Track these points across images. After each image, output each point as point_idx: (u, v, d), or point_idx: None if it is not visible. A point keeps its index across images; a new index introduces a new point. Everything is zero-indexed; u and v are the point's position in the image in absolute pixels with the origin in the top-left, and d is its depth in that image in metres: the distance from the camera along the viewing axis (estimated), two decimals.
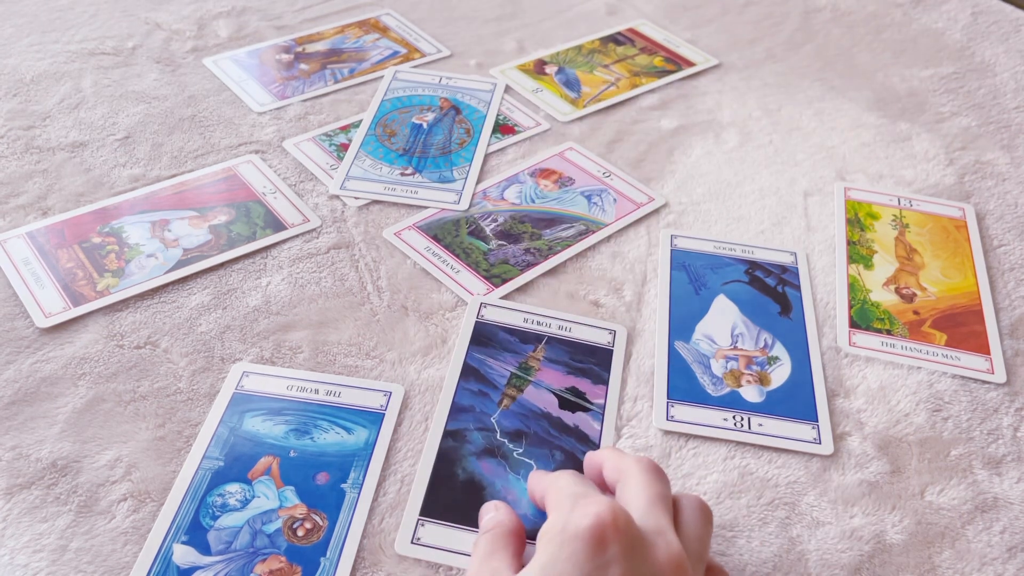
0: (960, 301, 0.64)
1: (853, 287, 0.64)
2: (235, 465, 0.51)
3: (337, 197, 0.72)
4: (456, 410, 0.55)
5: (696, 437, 0.55)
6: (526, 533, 0.48)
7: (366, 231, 0.68)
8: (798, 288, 0.65)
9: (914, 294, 0.63)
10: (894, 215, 0.70)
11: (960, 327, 0.62)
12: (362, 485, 0.51)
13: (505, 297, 0.63)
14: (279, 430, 0.53)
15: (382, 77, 0.86)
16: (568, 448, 0.54)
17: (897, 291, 0.64)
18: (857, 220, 0.69)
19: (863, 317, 0.62)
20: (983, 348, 0.61)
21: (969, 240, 0.69)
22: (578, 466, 0.53)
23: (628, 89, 0.86)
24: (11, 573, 0.46)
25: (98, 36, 0.89)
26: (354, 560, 0.47)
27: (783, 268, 0.67)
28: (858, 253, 0.66)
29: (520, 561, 0.42)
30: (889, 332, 0.61)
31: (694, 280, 0.66)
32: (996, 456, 0.55)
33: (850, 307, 0.62)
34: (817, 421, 0.56)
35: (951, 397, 0.58)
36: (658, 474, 0.42)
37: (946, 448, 0.55)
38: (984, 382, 0.59)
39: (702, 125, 0.83)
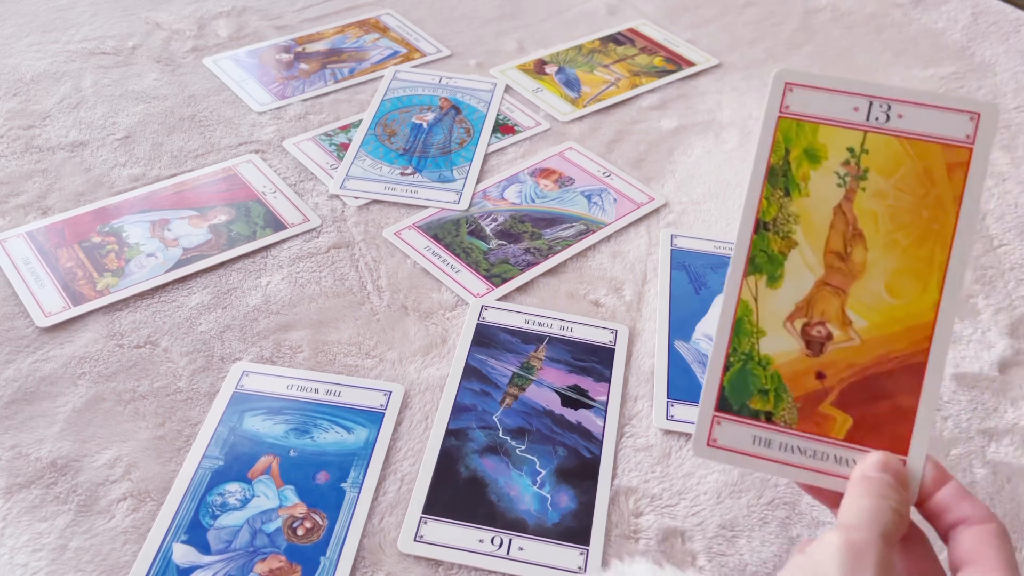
0: (896, 348, 0.36)
1: (741, 328, 0.37)
2: (235, 464, 0.51)
3: (337, 197, 0.72)
4: (458, 409, 0.55)
5: None
6: (530, 528, 0.48)
7: (366, 231, 0.68)
8: None
9: (828, 336, 0.37)
10: (850, 149, 0.37)
11: (880, 400, 0.36)
12: (362, 484, 0.51)
13: (505, 297, 0.63)
14: (279, 429, 0.53)
15: (382, 77, 0.86)
16: (571, 444, 0.54)
17: (804, 332, 0.37)
18: (786, 169, 0.38)
19: (739, 389, 0.37)
20: (899, 443, 0.36)
21: (962, 197, 0.36)
22: (579, 463, 0.53)
23: (628, 89, 0.86)
24: (11, 572, 0.46)
25: (98, 36, 0.89)
26: (354, 559, 0.47)
27: None
28: (765, 252, 0.38)
29: None
30: (769, 418, 0.37)
31: (694, 280, 0.66)
32: (996, 456, 0.55)
33: (724, 371, 0.37)
34: None
35: (950, 397, 0.58)
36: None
37: (946, 448, 0.55)
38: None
39: (702, 125, 0.83)
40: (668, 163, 0.78)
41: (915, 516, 0.35)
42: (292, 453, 0.52)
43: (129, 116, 0.78)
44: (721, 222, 0.71)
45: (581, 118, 0.82)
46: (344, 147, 0.77)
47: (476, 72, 0.88)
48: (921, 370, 0.36)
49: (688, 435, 0.55)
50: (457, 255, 0.66)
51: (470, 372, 0.58)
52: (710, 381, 0.37)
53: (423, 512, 0.50)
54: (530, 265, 0.66)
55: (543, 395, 0.57)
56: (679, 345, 0.60)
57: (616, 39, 0.95)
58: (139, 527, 0.48)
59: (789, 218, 0.38)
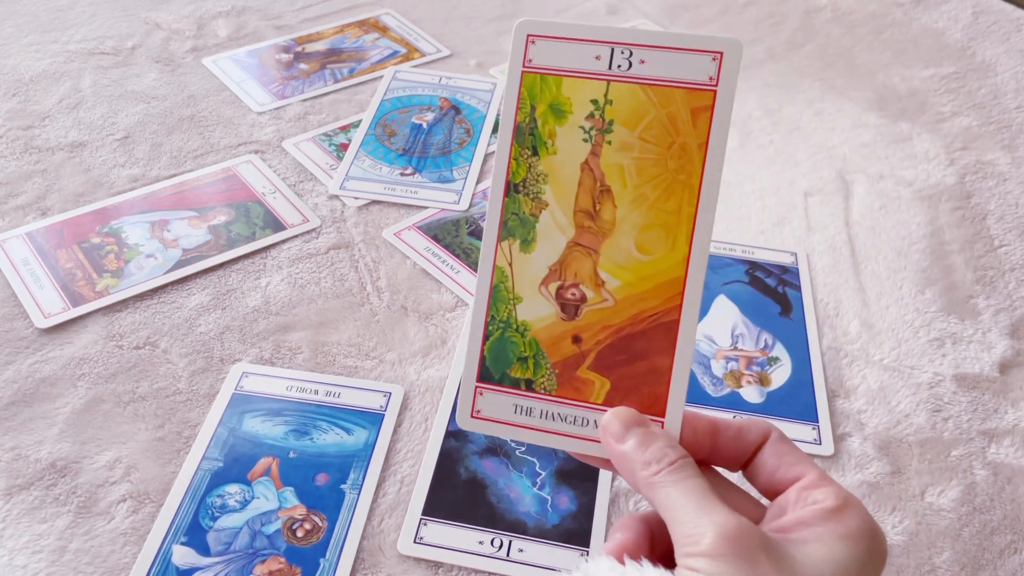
0: (648, 306, 0.35)
1: (498, 295, 0.36)
2: (234, 466, 0.51)
3: (337, 197, 0.71)
4: None
5: None
6: (529, 530, 0.48)
7: (366, 231, 0.68)
8: (798, 288, 0.65)
9: (582, 298, 0.36)
10: (594, 101, 0.36)
11: (636, 361, 0.35)
12: (361, 486, 0.51)
13: None
14: (278, 431, 0.53)
15: (382, 77, 0.86)
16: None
17: (559, 295, 0.36)
18: (532, 127, 0.36)
19: (499, 358, 0.36)
20: (656, 404, 0.34)
21: (707, 144, 0.35)
22: (579, 465, 0.53)
23: None
24: (10, 574, 0.46)
25: (97, 36, 0.89)
26: (353, 561, 0.47)
27: (783, 268, 0.67)
28: (516, 215, 0.36)
29: None
30: (529, 386, 0.36)
31: None
32: (997, 457, 0.55)
33: (484, 340, 0.36)
34: (817, 422, 0.56)
35: (951, 398, 0.58)
36: None
37: (946, 449, 0.55)
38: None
39: None
40: None
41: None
42: (292, 454, 0.52)
43: (128, 116, 0.78)
44: (721, 222, 0.71)
45: None
46: (344, 147, 0.76)
47: (476, 72, 0.88)
48: (674, 328, 0.34)
49: None
50: (457, 256, 0.66)
51: None
52: (471, 352, 0.36)
53: (423, 514, 0.50)
54: None
55: None
56: None
57: None
58: (139, 529, 0.48)
59: (538, 178, 0.36)
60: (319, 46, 0.90)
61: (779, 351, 0.60)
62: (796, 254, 0.68)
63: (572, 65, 0.36)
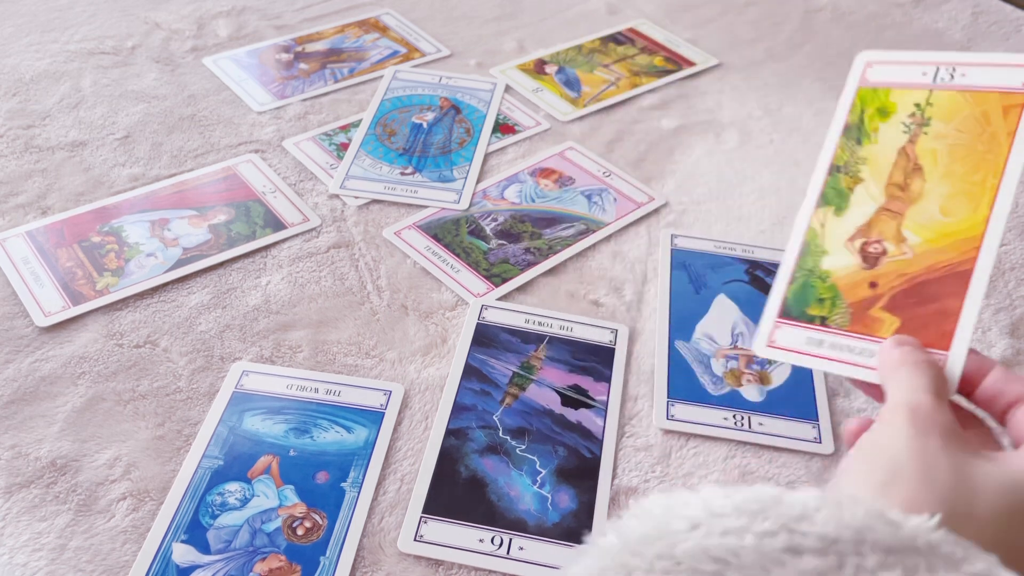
0: (945, 258, 0.39)
1: (807, 249, 0.43)
2: (235, 464, 0.51)
3: (337, 196, 0.71)
4: (458, 409, 0.55)
5: (696, 436, 0.55)
6: (530, 527, 0.48)
7: (366, 230, 0.68)
8: None
9: (883, 252, 0.41)
10: (916, 104, 0.43)
11: (927, 303, 0.39)
12: (362, 484, 0.51)
13: (505, 297, 0.63)
14: (279, 429, 0.53)
15: (382, 77, 0.86)
16: (571, 444, 0.54)
17: (862, 249, 0.42)
18: (860, 124, 0.44)
19: (800, 299, 0.42)
20: (943, 340, 0.37)
21: (1015, 132, 0.40)
22: (579, 463, 0.53)
23: (628, 89, 0.86)
24: (10, 572, 0.46)
25: (97, 35, 0.89)
26: (354, 559, 0.47)
27: None
28: (835, 188, 0.43)
29: None
30: (824, 322, 0.41)
31: (694, 280, 0.66)
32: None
33: (789, 284, 0.42)
34: (818, 420, 0.56)
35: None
36: None
37: None
38: None
39: (702, 125, 0.83)
40: (668, 163, 0.78)
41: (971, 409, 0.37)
42: (292, 453, 0.52)
43: (129, 116, 0.78)
44: (721, 222, 0.71)
45: (581, 118, 0.82)
46: (344, 147, 0.77)
47: (476, 72, 0.88)
48: (968, 275, 0.38)
49: (689, 435, 0.55)
50: (457, 255, 0.66)
51: (470, 372, 0.58)
52: (775, 292, 0.42)
53: (423, 512, 0.50)
54: (530, 265, 0.66)
55: (543, 395, 0.57)
56: (679, 345, 0.60)
57: (616, 39, 0.95)
58: (139, 527, 0.48)
59: (858, 161, 0.43)
60: (319, 46, 0.90)
61: None
62: None
63: (901, 79, 0.44)
